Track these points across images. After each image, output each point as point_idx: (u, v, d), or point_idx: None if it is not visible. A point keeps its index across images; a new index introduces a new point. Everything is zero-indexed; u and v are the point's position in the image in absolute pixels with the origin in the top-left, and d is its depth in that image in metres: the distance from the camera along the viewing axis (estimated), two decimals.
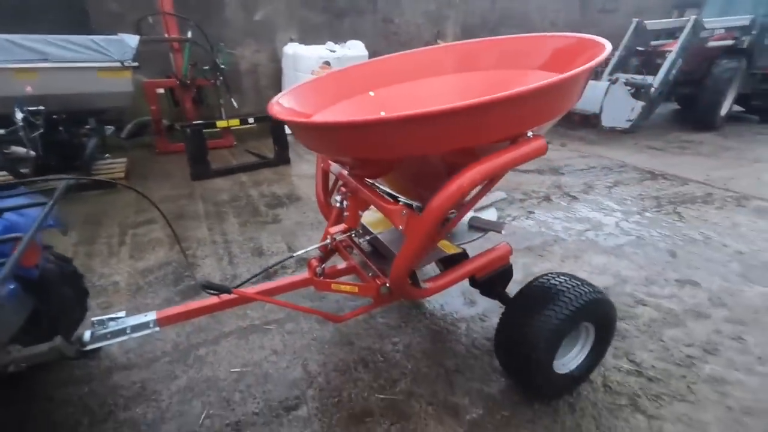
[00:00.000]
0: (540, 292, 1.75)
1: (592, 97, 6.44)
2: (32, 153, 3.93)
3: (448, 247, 1.81)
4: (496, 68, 2.14)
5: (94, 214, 3.73)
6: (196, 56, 5.79)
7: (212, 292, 1.61)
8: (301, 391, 1.85)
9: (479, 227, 2.08)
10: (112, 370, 1.96)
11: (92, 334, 1.65)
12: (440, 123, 1.33)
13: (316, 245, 1.86)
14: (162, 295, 2.54)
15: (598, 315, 1.73)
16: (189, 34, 5.52)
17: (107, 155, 4.77)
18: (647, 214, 3.64)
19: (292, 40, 7.20)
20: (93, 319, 1.68)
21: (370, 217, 2.13)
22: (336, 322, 2.15)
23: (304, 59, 6.37)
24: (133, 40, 4.27)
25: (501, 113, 1.33)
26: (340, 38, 7.28)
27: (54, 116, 4.05)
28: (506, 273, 2.01)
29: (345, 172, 1.89)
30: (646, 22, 6.93)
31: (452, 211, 2.08)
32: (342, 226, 1.88)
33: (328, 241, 1.83)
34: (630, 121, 6.40)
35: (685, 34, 6.18)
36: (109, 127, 4.56)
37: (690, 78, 6.66)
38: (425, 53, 2.32)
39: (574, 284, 1.72)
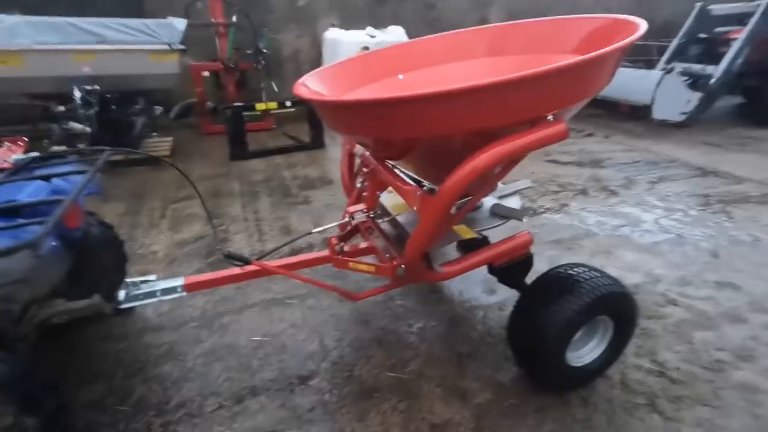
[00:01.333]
0: (556, 281, 1.72)
1: (642, 87, 6.09)
2: (88, 129, 4.24)
3: (464, 232, 1.81)
4: (526, 53, 2.08)
5: (139, 188, 3.99)
6: (240, 41, 5.98)
7: (235, 262, 1.70)
8: (316, 363, 1.92)
9: (500, 214, 2.05)
10: (145, 331, 2.11)
11: (126, 294, 1.79)
12: (456, 102, 1.32)
13: (335, 223, 1.90)
14: (194, 266, 2.70)
15: (616, 308, 1.68)
16: (234, 19, 5.69)
17: (155, 134, 5.05)
18: (692, 212, 3.43)
19: (333, 26, 7.24)
20: (127, 280, 1.83)
21: (392, 200, 2.15)
22: (354, 300, 2.20)
23: (344, 45, 6.40)
24: (180, 23, 4.46)
25: (519, 94, 1.31)
26: (380, 24, 7.25)
27: (107, 96, 4.34)
28: (526, 262, 1.97)
29: (367, 153, 1.92)
30: (711, 6, 6.42)
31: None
32: (361, 206, 1.92)
33: (347, 219, 1.88)
34: (685, 114, 6.00)
35: (755, 20, 5.66)
36: (158, 107, 4.83)
37: (758, 69, 6.12)
38: (454, 36, 2.29)
39: (591, 275, 1.68)
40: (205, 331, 2.12)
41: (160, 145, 4.99)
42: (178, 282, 1.82)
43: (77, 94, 4.08)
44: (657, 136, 5.84)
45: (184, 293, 1.81)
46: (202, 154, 5.15)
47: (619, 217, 3.35)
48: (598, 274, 1.68)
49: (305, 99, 1.65)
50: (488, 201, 2.21)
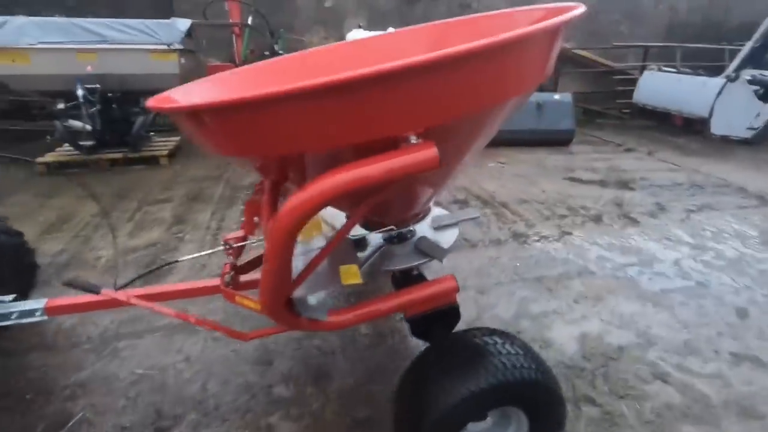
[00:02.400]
0: (458, 349, 1.32)
1: (699, 96, 5.26)
2: (88, 127, 4.31)
3: (348, 275, 1.43)
4: None
5: (126, 188, 3.96)
6: (257, 42, 5.92)
7: (78, 290, 1.47)
8: (184, 411, 1.63)
9: (423, 251, 1.65)
10: (32, 349, 1.95)
11: None
12: (273, 113, 0.98)
13: (205, 252, 1.62)
14: (127, 276, 2.53)
15: (529, 401, 1.23)
16: (249, 20, 5.63)
17: (152, 133, 5.07)
18: (729, 253, 2.76)
19: (359, 27, 7.01)
20: None
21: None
22: (243, 340, 1.90)
23: None
24: (183, 24, 4.43)
25: (355, 105, 0.94)
26: (409, 25, 6.91)
27: (109, 95, 4.39)
28: (448, 315, 1.57)
29: None
30: None
31: (391, 227, 1.70)
32: (240, 232, 1.61)
33: (221, 248, 1.58)
34: (753, 129, 5.11)
35: None
36: None
37: None
38: (394, 36, 1.95)
39: (507, 351, 1.25)
40: (93, 356, 1.91)
41: (164, 145, 5.00)
42: (40, 305, 1.62)
43: (80, 92, 4.16)
44: (713, 154, 4.98)
45: (45, 317, 1.61)
46: (206, 155, 5.10)
47: (629, 253, 2.77)
48: (518, 351, 1.25)
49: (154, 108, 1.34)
50: (422, 231, 1.82)
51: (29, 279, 2.11)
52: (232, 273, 1.69)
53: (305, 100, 0.95)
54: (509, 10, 1.79)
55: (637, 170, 4.47)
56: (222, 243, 1.56)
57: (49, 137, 4.28)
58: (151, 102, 1.22)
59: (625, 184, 4.04)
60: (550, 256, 2.72)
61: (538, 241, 2.93)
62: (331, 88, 0.90)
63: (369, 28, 7.08)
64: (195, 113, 1.10)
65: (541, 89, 7.69)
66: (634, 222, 3.22)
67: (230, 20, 5.70)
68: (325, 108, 0.95)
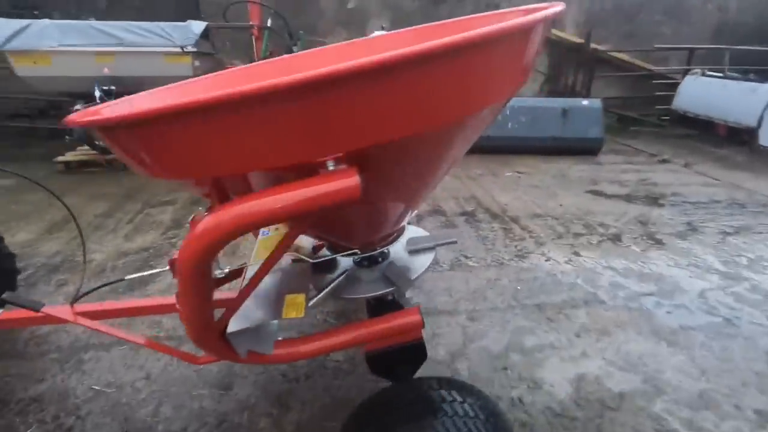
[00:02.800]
0: (406, 400, 1.14)
1: (746, 104, 4.80)
2: None
3: (289, 307, 1.28)
4: None
5: (134, 188, 4.00)
6: (277, 43, 5.89)
7: (17, 306, 1.40)
8: None
9: (390, 279, 1.49)
10: (3, 356, 1.92)
11: None
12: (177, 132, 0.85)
13: (155, 270, 1.52)
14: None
15: None
16: (268, 22, 5.61)
17: None
18: (767, 285, 2.42)
19: (383, 29, 6.88)
20: None
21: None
22: (195, 364, 1.79)
23: None
24: (198, 26, 4.44)
25: (260, 121, 0.80)
26: None
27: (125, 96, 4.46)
28: (413, 352, 1.40)
29: None
30: None
31: (354, 250, 1.55)
32: None
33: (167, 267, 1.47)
34: None
35: None
36: None
37: None
38: (348, 47, 1.82)
39: (465, 414, 1.05)
40: (56, 367, 1.86)
41: None
42: None
43: (97, 93, 4.24)
44: (760, 169, 4.51)
45: None
46: None
47: (648, 280, 2.48)
48: (477, 415, 1.06)
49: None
50: (396, 253, 1.65)
51: (8, 285, 2.10)
52: None
53: (204, 117, 0.81)
54: (507, 10, 1.60)
55: (670, 184, 4.09)
56: (168, 265, 1.45)
57: (67, 137, 4.39)
58: (69, 117, 1.11)
59: (654, 200, 3.69)
60: (556, 280, 2.48)
61: (546, 261, 2.68)
62: (226, 104, 0.76)
63: (393, 29, 6.95)
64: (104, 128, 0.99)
65: (572, 93, 7.32)
66: (659, 244, 2.91)
67: (250, 22, 5.70)
68: (227, 126, 0.81)
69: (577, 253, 2.78)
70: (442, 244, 1.65)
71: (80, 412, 1.65)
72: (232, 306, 1.17)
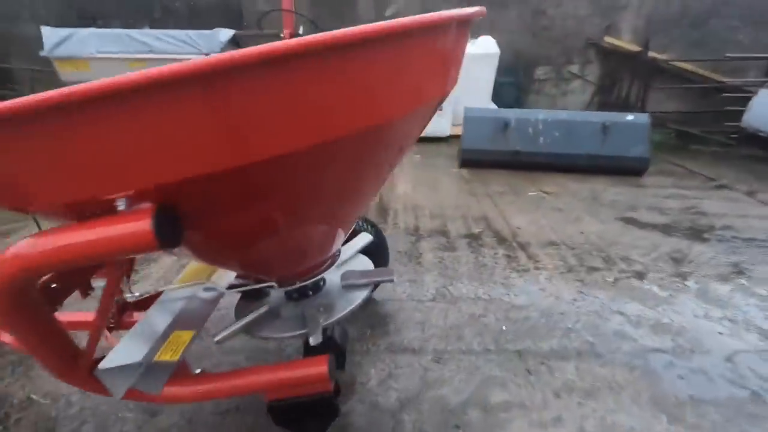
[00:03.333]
0: None
1: None
2: None
3: (169, 345, 1.14)
4: None
5: None
6: None
7: None
8: None
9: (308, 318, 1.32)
10: None
11: None
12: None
13: None
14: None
15: None
16: (300, 29, 5.65)
17: None
18: None
19: None
20: None
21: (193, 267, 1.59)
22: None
23: None
24: (225, 34, 4.55)
25: (34, 144, 0.67)
26: (474, 34, 6.46)
27: None
28: (320, 407, 1.22)
29: None
30: None
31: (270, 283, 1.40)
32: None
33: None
34: None
35: None
36: None
37: None
38: None
39: None
40: (8, 371, 1.87)
41: None
42: None
43: None
44: None
45: None
46: None
47: (664, 332, 2.09)
48: None
49: None
50: (330, 286, 1.49)
51: None
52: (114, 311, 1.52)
53: None
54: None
55: (723, 215, 3.54)
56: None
57: None
58: None
59: (697, 233, 3.19)
60: (550, 323, 2.16)
61: (545, 298, 2.37)
62: None
63: None
64: None
65: (625, 106, 6.68)
66: (689, 288, 2.48)
67: (283, 30, 5.78)
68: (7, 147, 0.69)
69: (584, 292, 2.43)
70: (379, 282, 1.45)
71: (9, 421, 1.63)
72: (93, 339, 1.06)
